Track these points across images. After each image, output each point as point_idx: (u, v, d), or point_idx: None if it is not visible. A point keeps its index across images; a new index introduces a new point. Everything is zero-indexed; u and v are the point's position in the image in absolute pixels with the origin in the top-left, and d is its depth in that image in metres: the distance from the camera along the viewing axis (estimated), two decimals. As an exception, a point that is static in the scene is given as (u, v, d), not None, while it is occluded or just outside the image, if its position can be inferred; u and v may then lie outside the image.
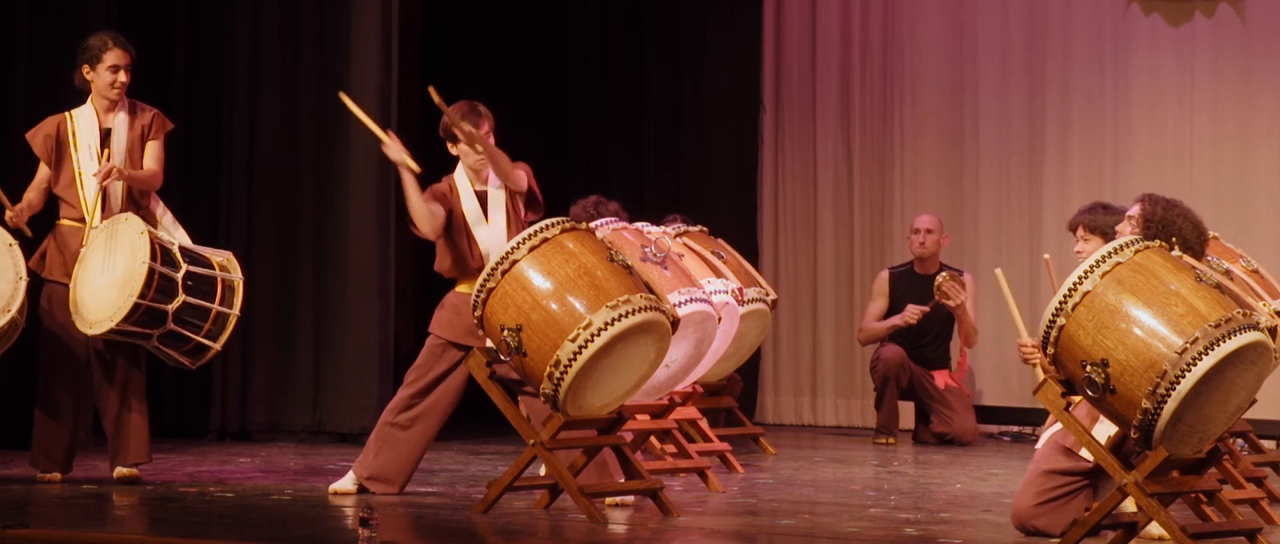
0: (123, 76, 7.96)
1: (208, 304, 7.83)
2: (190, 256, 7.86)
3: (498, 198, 7.68)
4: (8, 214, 7.89)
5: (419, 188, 7.63)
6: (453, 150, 7.74)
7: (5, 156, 9.41)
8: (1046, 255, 7.05)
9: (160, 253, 7.70)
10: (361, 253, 10.19)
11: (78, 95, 8.08)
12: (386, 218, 10.24)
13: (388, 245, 10.28)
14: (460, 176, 7.74)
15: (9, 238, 7.76)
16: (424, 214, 7.60)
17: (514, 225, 7.62)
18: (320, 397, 10.19)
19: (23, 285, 7.68)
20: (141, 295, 7.60)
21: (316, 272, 10.25)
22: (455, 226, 7.68)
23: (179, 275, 7.73)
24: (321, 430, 10.15)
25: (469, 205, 7.68)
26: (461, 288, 7.60)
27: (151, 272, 7.62)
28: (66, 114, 8.01)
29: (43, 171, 8.00)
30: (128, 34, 8.19)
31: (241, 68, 10.35)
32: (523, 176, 7.68)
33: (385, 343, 10.28)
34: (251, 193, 10.33)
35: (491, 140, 7.67)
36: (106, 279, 7.69)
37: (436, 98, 7.46)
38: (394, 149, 7.72)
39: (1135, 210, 6.72)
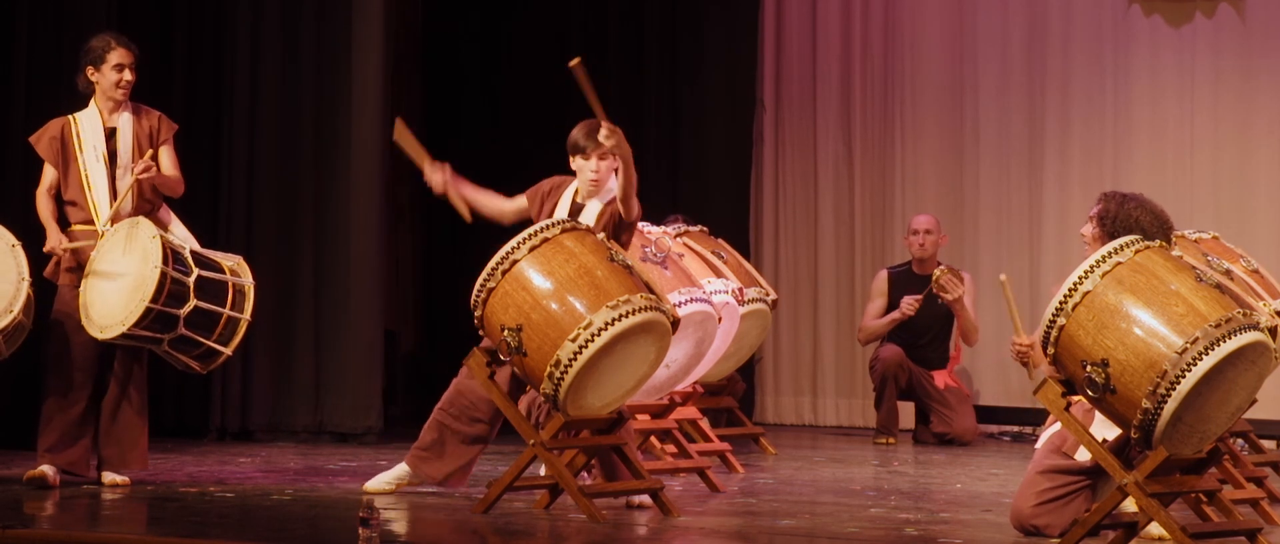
0: (128, 75, 7.87)
1: (219, 309, 7.75)
2: (202, 261, 7.78)
3: (591, 210, 7.50)
4: (54, 242, 7.79)
5: (479, 192, 7.61)
6: (572, 163, 7.54)
7: (4, 157, 9.40)
8: (1002, 276, 6.69)
9: (173, 257, 7.64)
10: (361, 252, 10.19)
11: (77, 94, 7.99)
12: (386, 217, 10.23)
13: (387, 245, 10.27)
14: (574, 183, 7.58)
15: (11, 238, 7.70)
16: (495, 212, 7.58)
17: None
18: (321, 397, 10.19)
19: (25, 286, 7.61)
20: (153, 300, 7.53)
21: (317, 271, 10.25)
22: None
23: (191, 280, 7.65)
24: (322, 430, 10.15)
25: (560, 212, 7.49)
26: None
27: (164, 276, 7.55)
28: (69, 117, 7.91)
29: (50, 175, 7.90)
30: (128, 34, 8.13)
31: (242, 68, 10.35)
32: (636, 206, 7.48)
33: (381, 342, 10.28)
34: (251, 192, 10.32)
35: (611, 161, 7.47)
36: (118, 283, 7.62)
37: (582, 75, 7.06)
38: (438, 180, 7.63)
39: (1095, 210, 6.74)
